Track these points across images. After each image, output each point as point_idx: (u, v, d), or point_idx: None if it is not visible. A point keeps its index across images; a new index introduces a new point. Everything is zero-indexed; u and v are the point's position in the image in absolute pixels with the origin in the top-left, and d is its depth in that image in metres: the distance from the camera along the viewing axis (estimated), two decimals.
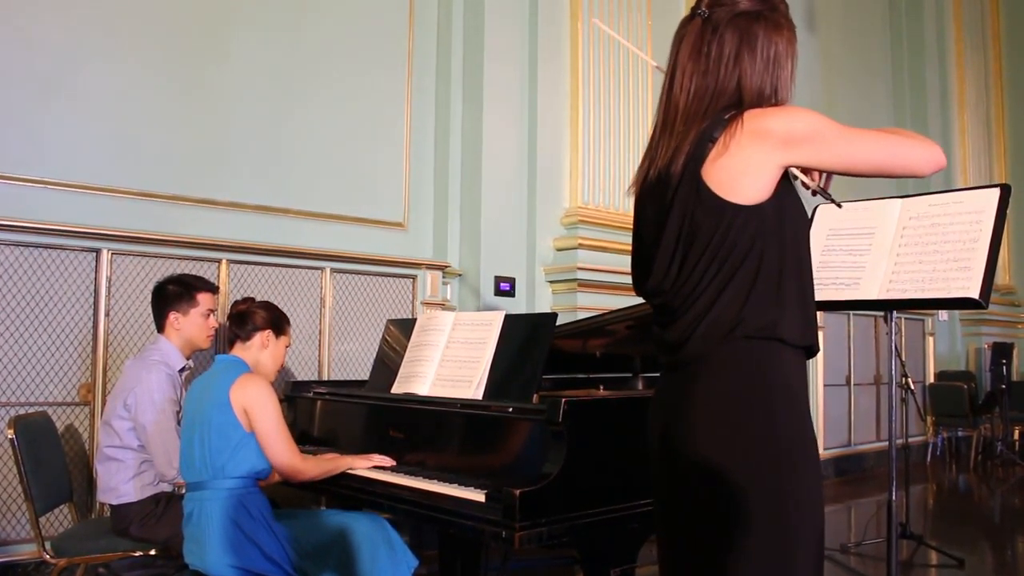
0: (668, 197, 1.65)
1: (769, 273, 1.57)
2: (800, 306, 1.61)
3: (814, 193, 1.67)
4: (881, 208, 2.78)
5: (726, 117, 1.61)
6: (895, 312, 3.06)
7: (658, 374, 3.82)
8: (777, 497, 1.53)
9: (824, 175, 1.68)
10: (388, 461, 2.85)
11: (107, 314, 3.87)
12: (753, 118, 1.59)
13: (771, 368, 1.58)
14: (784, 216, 1.61)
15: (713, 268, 1.58)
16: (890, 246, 2.69)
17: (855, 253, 2.74)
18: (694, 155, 1.61)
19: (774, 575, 1.53)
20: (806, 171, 1.65)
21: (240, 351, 2.88)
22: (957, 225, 2.58)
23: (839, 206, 1.78)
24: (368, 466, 2.84)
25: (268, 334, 2.92)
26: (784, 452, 1.55)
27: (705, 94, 1.65)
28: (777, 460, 1.54)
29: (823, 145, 1.57)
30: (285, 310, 3.09)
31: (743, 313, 1.56)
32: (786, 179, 1.62)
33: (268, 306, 2.98)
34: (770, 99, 1.66)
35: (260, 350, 2.91)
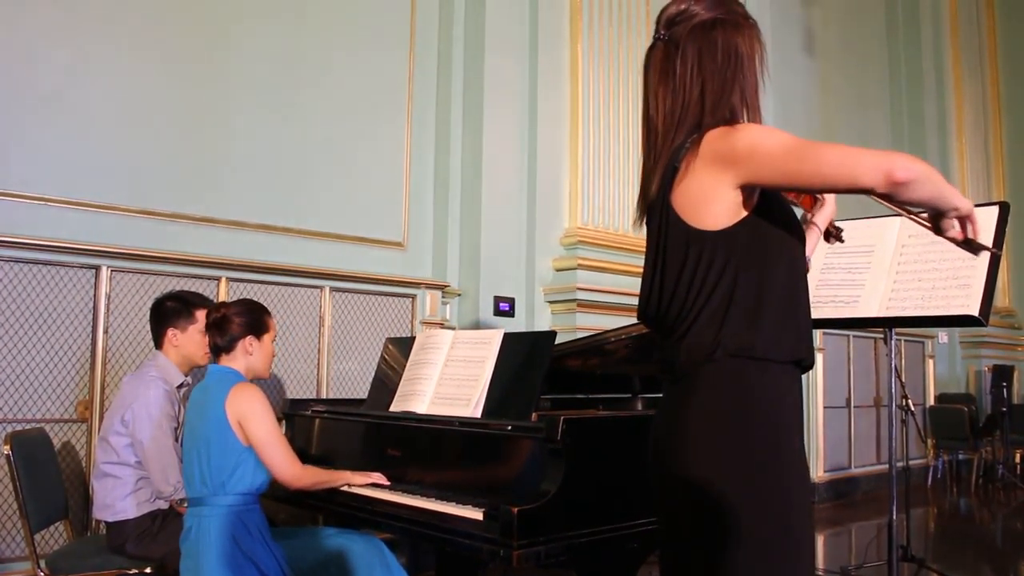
0: (651, 222, 1.70)
1: (745, 296, 1.58)
2: (785, 323, 1.61)
3: (959, 245, 1.60)
4: (880, 226, 2.78)
5: (688, 142, 1.63)
6: (895, 334, 3.06)
7: (657, 395, 3.82)
8: (764, 516, 1.53)
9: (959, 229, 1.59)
10: (385, 480, 2.84)
11: (106, 331, 3.86)
12: (709, 141, 1.60)
13: (754, 386, 1.58)
14: (763, 235, 1.61)
15: (691, 294, 1.60)
16: (889, 264, 2.70)
17: (854, 271, 2.74)
18: (664, 180, 1.65)
19: None
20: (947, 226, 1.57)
21: (227, 361, 2.85)
22: None
23: (995, 252, 1.71)
24: (366, 482, 2.83)
25: (249, 340, 2.85)
26: (770, 470, 1.55)
27: (676, 110, 1.67)
28: (762, 479, 1.54)
29: (765, 162, 1.53)
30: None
31: (719, 336, 1.58)
32: (766, 196, 1.62)
33: (243, 309, 2.89)
34: (737, 102, 1.67)
35: (246, 356, 2.86)
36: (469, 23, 5.45)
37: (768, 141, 1.54)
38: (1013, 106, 11.09)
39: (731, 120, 1.65)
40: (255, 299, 4.20)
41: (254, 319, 2.89)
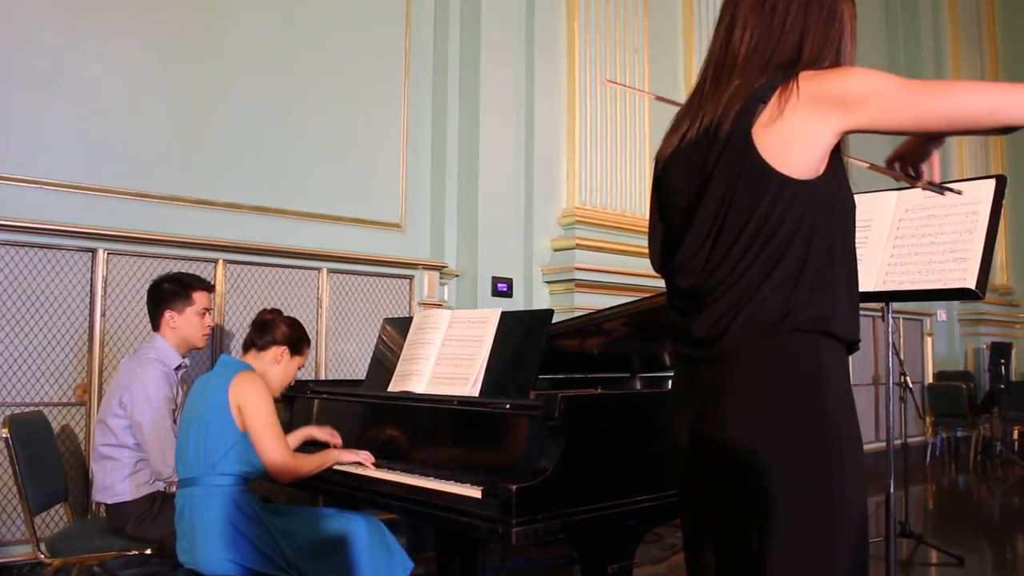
0: (710, 160, 1.49)
1: (820, 258, 1.43)
2: (851, 297, 1.48)
3: (924, 188, 1.55)
4: (877, 200, 2.77)
5: (780, 76, 1.47)
6: (892, 312, 3.06)
7: (657, 374, 3.79)
8: (824, 500, 1.42)
9: (930, 169, 1.56)
10: (371, 459, 2.84)
11: (103, 314, 3.86)
12: (808, 80, 1.44)
13: (824, 364, 1.44)
14: (836, 196, 1.48)
15: (756, 247, 1.43)
16: (886, 238, 2.69)
17: None
18: (744, 115, 1.46)
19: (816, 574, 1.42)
20: (913, 169, 1.54)
21: (252, 358, 2.89)
22: (953, 216, 2.58)
23: (959, 193, 1.67)
24: (353, 460, 2.83)
25: (284, 351, 2.93)
26: (834, 453, 1.42)
27: (767, 47, 1.52)
28: (827, 461, 1.42)
29: (885, 103, 1.40)
30: (281, 310, 3.08)
31: (792, 302, 1.42)
32: (839, 157, 1.49)
33: (293, 323, 2.98)
34: (832, 59, 1.53)
35: (272, 363, 2.92)
36: None
37: (887, 81, 1.41)
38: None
39: None
40: (252, 281, 4.21)
41: (298, 337, 2.98)
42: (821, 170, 1.44)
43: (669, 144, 1.61)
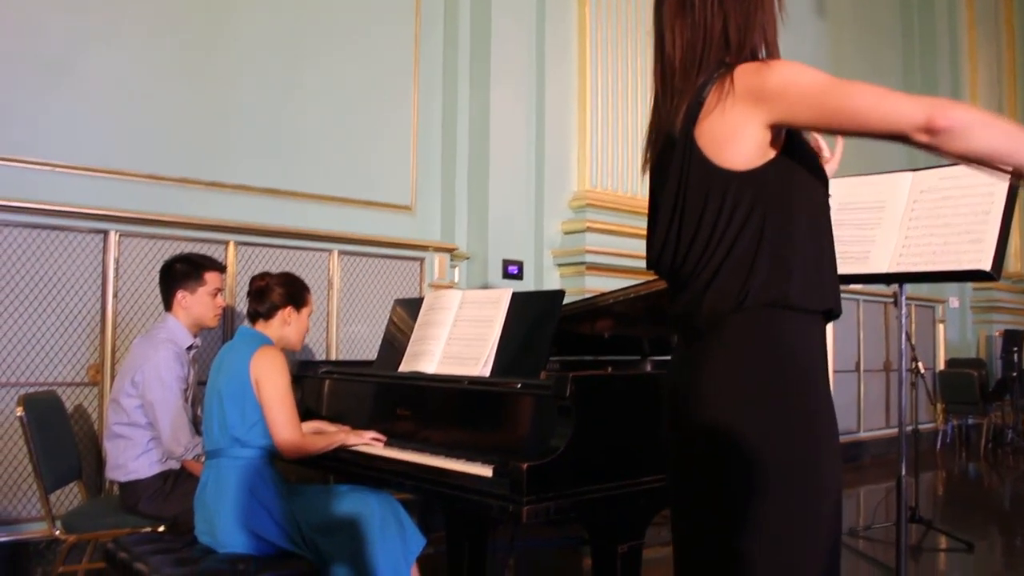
0: (667, 162, 1.60)
1: (774, 240, 1.50)
2: (815, 270, 1.55)
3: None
4: (892, 182, 2.75)
5: (716, 75, 1.54)
6: (906, 297, 3.04)
7: (666, 358, 3.79)
8: (794, 467, 1.48)
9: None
10: (381, 438, 2.85)
11: (115, 295, 3.87)
12: (741, 75, 1.51)
13: (786, 335, 1.52)
14: (791, 178, 1.54)
15: (715, 238, 1.52)
16: (900, 219, 2.66)
17: (865, 227, 2.71)
18: (688, 116, 1.55)
19: (790, 546, 1.48)
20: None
21: (263, 328, 2.90)
22: (968, 198, 2.55)
23: None
24: (359, 442, 2.84)
25: (289, 311, 2.93)
26: (802, 420, 1.50)
27: (696, 46, 1.59)
28: (792, 429, 1.49)
29: (796, 100, 1.46)
30: (269, 271, 3.08)
31: (748, 283, 1.50)
32: (792, 138, 1.55)
33: (285, 281, 2.95)
34: (758, 40, 1.59)
35: (282, 326, 2.92)
36: None
37: (803, 78, 1.46)
38: None
39: (754, 59, 1.58)
40: (263, 263, 4.22)
41: (295, 291, 2.96)
42: (764, 159, 1.51)
43: (648, 152, 1.71)
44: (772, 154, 1.52)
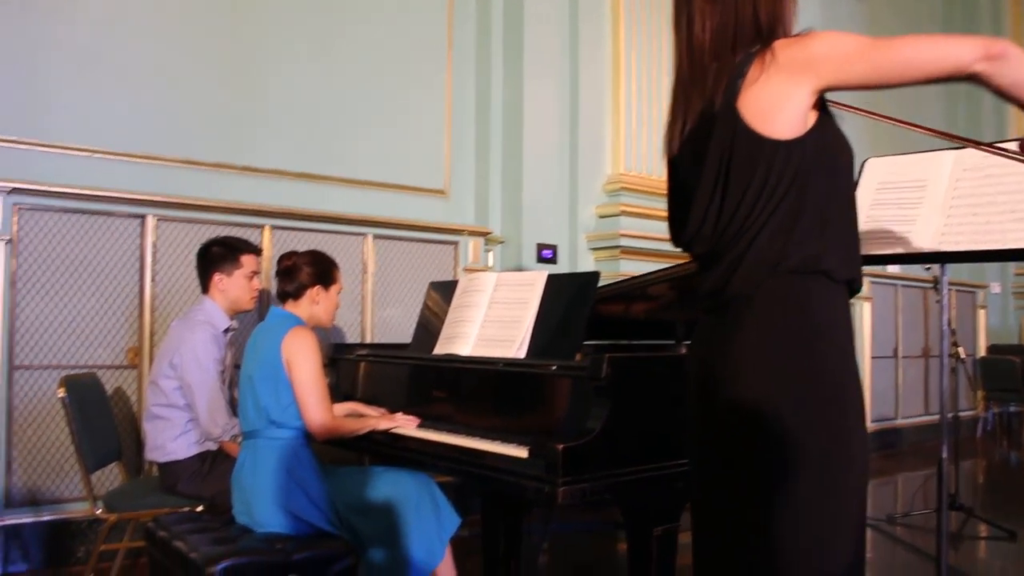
0: (705, 138, 1.62)
1: (813, 206, 1.54)
2: (845, 239, 1.58)
3: None
4: (933, 160, 2.68)
5: (753, 51, 1.59)
6: (948, 280, 2.98)
7: None
8: (824, 437, 1.49)
9: None
10: (413, 421, 2.86)
11: (153, 279, 3.92)
12: (782, 47, 1.56)
13: (817, 304, 1.54)
14: (827, 147, 1.57)
15: (758, 206, 1.54)
16: (943, 198, 2.60)
17: (906, 206, 2.65)
18: (729, 91, 1.59)
19: (818, 519, 1.48)
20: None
21: (292, 307, 2.90)
22: (1013, 176, 2.49)
23: None
24: (390, 426, 2.85)
25: (317, 289, 2.91)
26: (831, 391, 1.51)
27: (727, 28, 1.63)
28: (823, 399, 1.50)
29: (850, 60, 1.50)
30: (296, 249, 3.08)
31: (786, 249, 1.52)
32: (827, 109, 1.60)
33: (313, 259, 2.95)
34: (787, 26, 1.66)
35: (311, 305, 2.92)
36: None
37: (847, 39, 1.51)
38: None
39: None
40: (298, 247, 4.24)
41: (323, 270, 2.96)
42: (807, 127, 1.55)
43: (673, 137, 1.72)
44: (812, 122, 1.56)
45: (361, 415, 3.01)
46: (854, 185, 1.66)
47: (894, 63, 1.48)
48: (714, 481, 1.62)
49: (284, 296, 2.92)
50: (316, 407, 2.70)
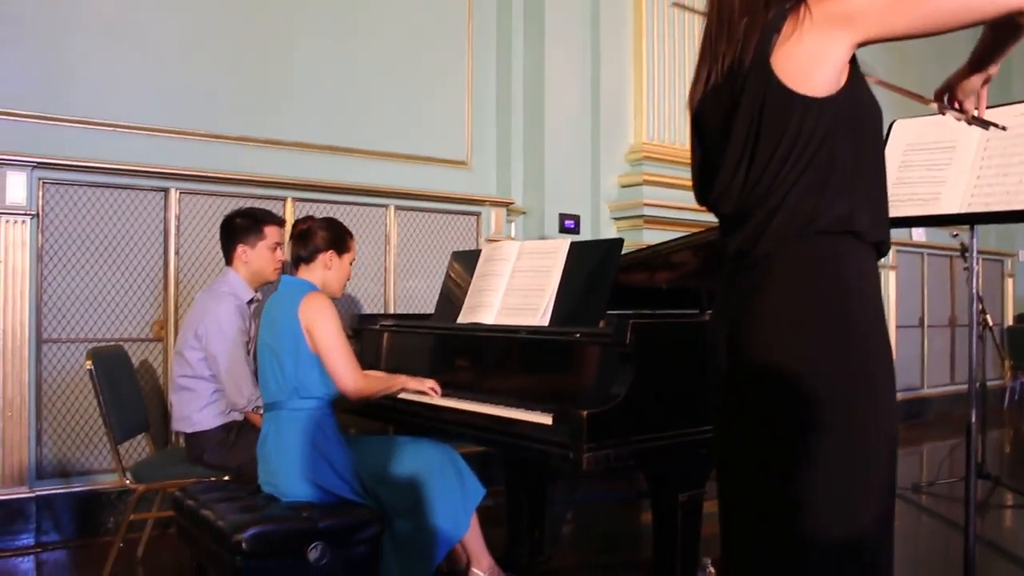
0: (735, 95, 1.58)
1: (843, 165, 1.50)
2: (875, 200, 1.56)
3: (969, 123, 1.63)
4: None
5: (787, 6, 1.54)
6: (976, 245, 2.92)
7: None
8: (852, 397, 1.47)
9: (977, 104, 1.67)
10: (439, 389, 2.87)
11: (177, 252, 3.94)
12: (817, 3, 1.50)
13: (846, 263, 1.51)
14: (860, 105, 1.55)
15: (788, 163, 1.51)
16: (972, 159, 2.55)
17: (934, 168, 2.60)
18: (761, 47, 1.54)
19: (848, 480, 1.47)
20: (960, 103, 1.66)
21: (305, 273, 2.89)
22: None
23: (1003, 129, 1.72)
24: (420, 388, 2.86)
25: (330, 255, 2.90)
26: (860, 351, 1.49)
27: None
28: (852, 359, 1.48)
29: (887, 10, 1.45)
30: (314, 215, 3.08)
31: (818, 207, 1.50)
32: (857, 67, 1.55)
33: (328, 224, 2.94)
34: None
35: (324, 270, 2.90)
36: None
37: None
38: None
39: None
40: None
41: (338, 236, 2.94)
42: (841, 84, 1.51)
43: (697, 92, 1.69)
44: (844, 80, 1.52)
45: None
46: (883, 145, 1.63)
47: (942, 10, 1.42)
48: (740, 442, 1.60)
49: (297, 260, 2.91)
50: (345, 368, 2.70)
